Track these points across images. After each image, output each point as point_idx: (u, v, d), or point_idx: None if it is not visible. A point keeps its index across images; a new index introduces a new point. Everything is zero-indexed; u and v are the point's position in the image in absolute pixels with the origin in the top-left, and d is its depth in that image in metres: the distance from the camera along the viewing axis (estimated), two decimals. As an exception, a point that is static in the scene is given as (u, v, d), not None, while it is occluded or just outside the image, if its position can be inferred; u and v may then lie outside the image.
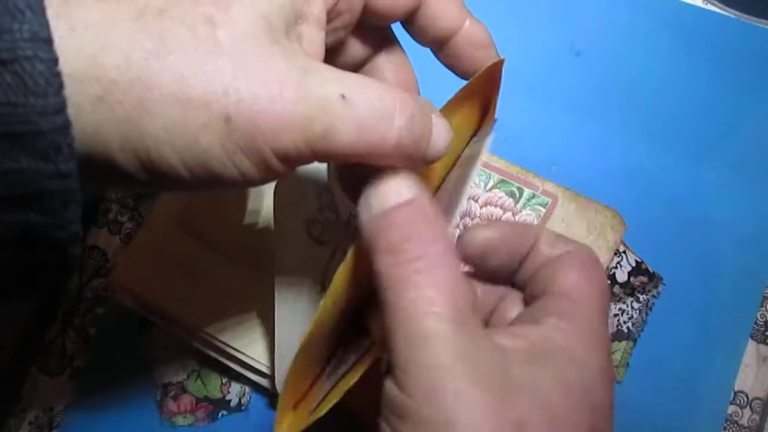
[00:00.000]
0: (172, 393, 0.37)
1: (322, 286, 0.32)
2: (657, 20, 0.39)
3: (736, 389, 0.39)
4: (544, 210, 0.38)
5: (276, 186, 0.28)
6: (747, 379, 0.39)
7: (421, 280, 0.19)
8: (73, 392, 0.37)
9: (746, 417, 0.39)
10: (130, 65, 0.16)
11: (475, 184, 0.37)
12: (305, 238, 0.31)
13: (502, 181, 0.38)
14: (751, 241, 0.39)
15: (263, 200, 0.36)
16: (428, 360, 0.18)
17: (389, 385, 0.19)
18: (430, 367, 0.18)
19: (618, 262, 0.38)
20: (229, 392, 0.37)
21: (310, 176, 0.30)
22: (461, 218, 0.37)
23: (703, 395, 0.38)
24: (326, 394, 0.25)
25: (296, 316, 0.32)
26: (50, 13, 0.16)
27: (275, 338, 0.32)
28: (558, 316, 0.21)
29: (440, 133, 0.21)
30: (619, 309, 0.38)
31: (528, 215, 0.38)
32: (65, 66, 0.16)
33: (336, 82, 0.18)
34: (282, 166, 0.18)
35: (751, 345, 0.39)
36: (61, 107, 0.15)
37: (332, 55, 0.23)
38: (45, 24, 0.15)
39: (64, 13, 0.16)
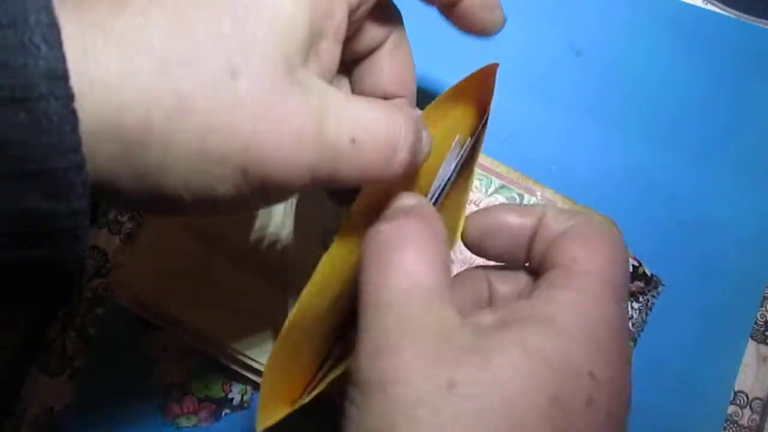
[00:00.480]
0: (175, 395, 0.37)
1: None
2: (657, 20, 0.39)
3: (736, 389, 0.39)
4: None
5: (297, 197, 0.28)
6: (747, 379, 0.39)
7: (395, 255, 0.20)
8: (73, 392, 0.37)
9: (746, 417, 0.39)
10: (151, 126, 0.16)
11: (476, 188, 0.37)
12: (320, 249, 0.31)
13: (503, 186, 0.38)
14: (751, 241, 0.39)
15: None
16: (376, 324, 0.19)
17: (350, 359, 0.19)
18: (376, 329, 0.19)
19: None
20: (231, 391, 0.37)
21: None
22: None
23: (703, 395, 0.38)
24: (314, 386, 0.25)
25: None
26: (70, 65, 0.15)
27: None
28: (551, 288, 0.21)
29: (426, 147, 0.22)
30: None
31: None
32: (83, 124, 0.15)
33: (348, 123, 0.19)
34: (284, 197, 0.20)
35: (751, 345, 0.39)
36: (77, 145, 0.15)
37: (345, 44, 0.23)
38: (61, 58, 0.15)
39: (85, 71, 0.15)
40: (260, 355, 0.35)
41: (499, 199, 0.37)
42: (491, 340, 0.19)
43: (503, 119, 0.38)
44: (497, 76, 0.26)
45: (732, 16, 0.39)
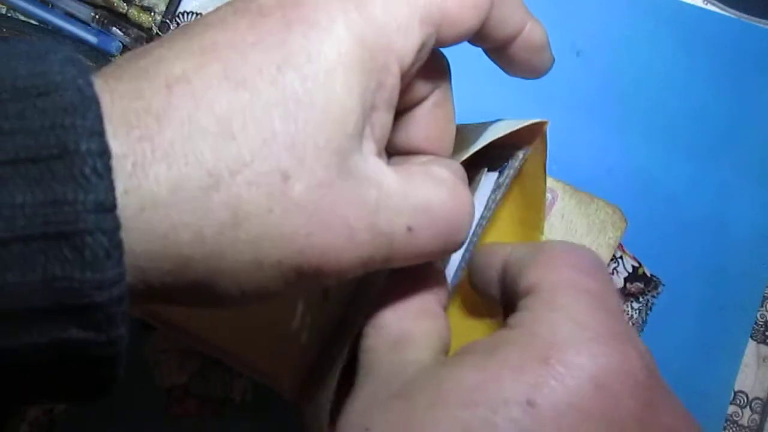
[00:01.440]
0: (176, 396, 0.37)
1: (325, 295, 0.32)
2: (657, 20, 0.39)
3: (736, 389, 0.39)
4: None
5: None
6: (747, 379, 0.39)
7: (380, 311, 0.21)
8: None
9: (746, 417, 0.39)
10: (204, 241, 0.15)
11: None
12: None
13: None
14: (751, 241, 0.39)
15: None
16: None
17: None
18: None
19: (614, 268, 0.38)
20: (232, 390, 0.37)
21: None
22: None
23: (703, 395, 0.38)
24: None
25: (302, 321, 0.32)
26: (119, 188, 0.14)
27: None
28: (510, 319, 0.20)
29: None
30: None
31: None
32: (136, 245, 0.15)
33: (406, 210, 0.18)
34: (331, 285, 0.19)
35: (751, 345, 0.39)
36: (120, 278, 0.14)
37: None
38: (111, 188, 0.14)
39: (135, 188, 0.14)
40: (261, 355, 0.35)
41: None
42: (422, 381, 0.18)
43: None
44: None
45: (732, 16, 0.39)
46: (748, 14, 0.39)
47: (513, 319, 0.19)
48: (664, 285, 0.38)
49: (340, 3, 0.17)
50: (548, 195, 0.37)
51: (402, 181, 0.18)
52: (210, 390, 0.37)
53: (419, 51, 0.18)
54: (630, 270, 0.38)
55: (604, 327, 0.18)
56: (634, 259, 0.38)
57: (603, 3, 0.39)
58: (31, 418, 0.37)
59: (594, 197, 0.37)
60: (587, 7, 0.39)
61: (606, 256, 0.37)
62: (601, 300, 0.18)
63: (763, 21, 0.39)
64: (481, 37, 0.21)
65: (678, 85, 0.39)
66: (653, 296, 0.38)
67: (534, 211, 0.26)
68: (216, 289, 0.17)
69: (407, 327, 0.21)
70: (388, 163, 0.19)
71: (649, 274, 0.38)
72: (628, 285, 0.38)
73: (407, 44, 0.18)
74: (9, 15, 0.38)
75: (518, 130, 0.25)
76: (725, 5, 0.39)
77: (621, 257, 0.38)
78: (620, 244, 0.38)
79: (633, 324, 0.38)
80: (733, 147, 0.39)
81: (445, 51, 0.39)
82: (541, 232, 0.26)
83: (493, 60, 0.24)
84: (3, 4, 0.38)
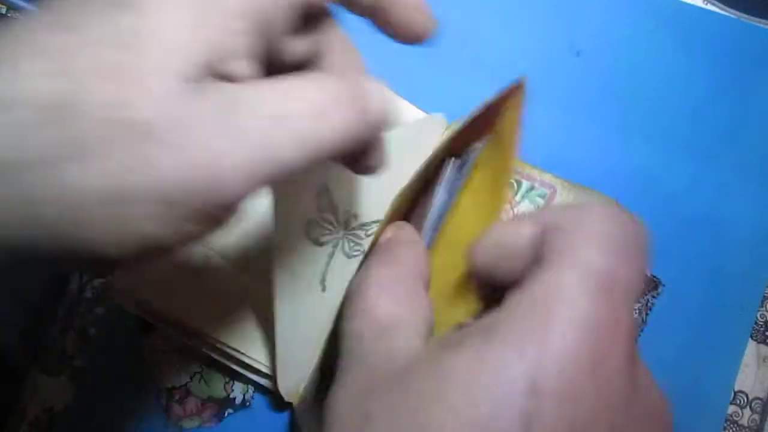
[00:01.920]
0: (177, 397, 0.37)
1: (323, 286, 0.32)
2: (657, 20, 0.39)
3: (736, 389, 0.39)
4: (543, 201, 0.37)
5: (274, 189, 0.28)
6: (747, 379, 0.39)
7: (356, 299, 0.22)
8: (73, 392, 0.37)
9: (746, 417, 0.39)
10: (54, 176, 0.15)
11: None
12: (305, 239, 0.31)
13: None
14: (751, 241, 0.39)
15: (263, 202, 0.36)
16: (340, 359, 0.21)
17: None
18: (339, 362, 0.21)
19: None
20: (232, 390, 0.37)
21: (307, 178, 0.30)
22: None
23: (703, 395, 0.38)
24: None
25: (297, 318, 0.32)
26: None
27: (276, 339, 0.32)
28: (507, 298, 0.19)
29: (377, 104, 0.21)
30: None
31: (527, 207, 0.37)
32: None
33: (267, 106, 0.18)
34: (232, 211, 0.18)
35: (751, 345, 0.39)
36: None
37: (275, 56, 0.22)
38: None
39: None
40: (260, 354, 0.35)
41: None
42: (421, 365, 0.18)
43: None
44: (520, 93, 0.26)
45: (732, 16, 0.39)
46: (748, 14, 0.39)
47: (514, 297, 0.18)
48: (664, 285, 0.38)
49: None
50: (546, 191, 0.37)
51: (257, 84, 0.18)
52: (210, 390, 0.37)
53: None
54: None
55: (601, 312, 0.17)
56: None
57: (603, 3, 0.39)
58: (31, 418, 0.37)
59: (591, 190, 0.37)
60: (587, 7, 0.39)
61: None
62: (610, 281, 0.18)
63: (763, 21, 0.39)
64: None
65: (678, 85, 0.39)
66: (653, 296, 0.38)
67: (497, 197, 0.26)
68: (81, 242, 0.16)
69: (396, 312, 0.21)
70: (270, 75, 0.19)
71: (648, 275, 0.38)
72: None
73: None
74: (9, 15, 0.38)
75: (491, 110, 0.26)
76: (725, 5, 0.39)
77: None
78: None
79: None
80: (733, 147, 0.39)
81: (442, 54, 0.39)
82: (499, 215, 0.26)
83: (377, 27, 0.24)
84: (3, 4, 0.38)
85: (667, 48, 0.39)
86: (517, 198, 0.37)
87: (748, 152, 0.39)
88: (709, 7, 0.39)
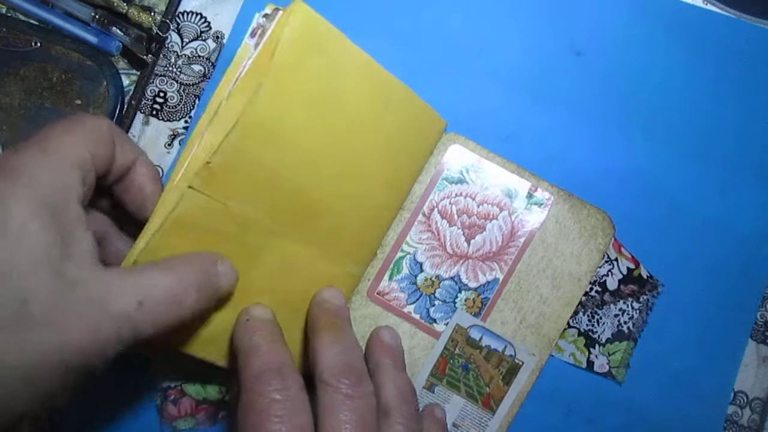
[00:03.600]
0: (172, 397, 0.37)
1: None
2: (657, 20, 0.39)
3: (736, 389, 0.39)
4: (539, 209, 0.38)
5: None
6: (747, 379, 0.39)
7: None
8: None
9: (746, 417, 0.39)
10: None
11: (472, 181, 0.38)
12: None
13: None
14: (751, 242, 0.39)
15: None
16: None
17: None
18: None
19: (609, 270, 0.38)
20: (227, 392, 0.37)
21: None
22: (458, 216, 0.37)
23: (703, 395, 0.38)
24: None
25: None
26: None
27: None
28: None
29: (227, 272, 0.29)
30: (620, 309, 0.38)
31: (523, 214, 0.38)
32: None
33: (129, 293, 0.24)
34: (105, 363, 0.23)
35: (751, 345, 0.39)
36: None
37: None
38: None
39: None
40: None
41: (495, 192, 0.37)
42: None
43: (503, 119, 0.38)
44: None
45: (732, 16, 0.39)
46: (748, 14, 0.39)
47: None
48: (663, 285, 0.38)
49: (9, 183, 0.23)
50: (543, 199, 0.38)
51: (121, 274, 0.24)
52: (206, 392, 0.37)
53: (83, 183, 0.25)
54: (625, 272, 0.38)
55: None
56: (632, 260, 0.38)
57: (603, 3, 0.39)
58: (31, 418, 0.37)
59: (585, 203, 0.38)
60: (587, 7, 0.39)
61: (596, 260, 0.37)
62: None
63: (763, 21, 0.39)
64: (110, 171, 0.28)
65: (678, 85, 0.39)
66: (653, 296, 0.38)
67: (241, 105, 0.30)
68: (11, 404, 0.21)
69: None
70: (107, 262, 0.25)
71: (645, 276, 0.38)
72: (621, 287, 0.38)
73: (73, 182, 0.24)
74: (9, 15, 0.38)
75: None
76: (725, 5, 0.39)
77: (616, 259, 0.38)
78: (619, 243, 0.38)
79: (633, 324, 0.38)
80: (733, 147, 0.39)
81: (442, 54, 0.39)
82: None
83: (118, 197, 0.30)
84: (3, 4, 0.38)
85: (667, 48, 0.39)
86: (515, 205, 0.38)
87: (748, 152, 0.39)
88: (709, 7, 0.39)
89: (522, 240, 0.38)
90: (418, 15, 0.38)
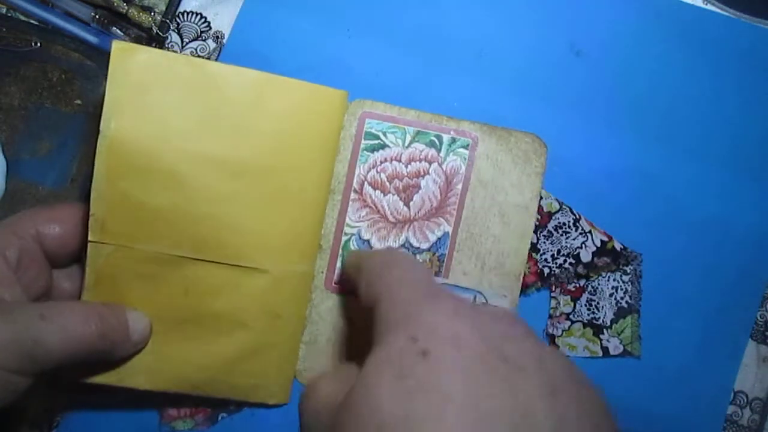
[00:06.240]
0: (171, 398, 0.37)
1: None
2: (657, 20, 0.39)
3: (736, 389, 0.39)
4: (467, 152, 0.37)
5: None
6: (747, 379, 0.39)
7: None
8: (72, 393, 0.37)
9: (746, 417, 0.39)
10: None
11: (392, 142, 0.37)
12: None
13: (419, 132, 0.37)
14: (751, 241, 0.39)
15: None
16: None
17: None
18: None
19: (583, 242, 0.38)
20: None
21: None
22: (390, 182, 0.37)
23: (703, 395, 0.38)
24: None
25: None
26: None
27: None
28: None
29: (137, 320, 0.31)
30: (612, 287, 0.38)
31: (453, 161, 0.37)
32: None
33: (34, 307, 0.28)
34: (27, 380, 0.27)
35: (751, 345, 0.39)
36: None
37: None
38: None
39: None
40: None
41: (419, 147, 0.37)
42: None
43: (503, 119, 0.38)
44: None
45: (732, 16, 0.39)
46: (748, 14, 0.39)
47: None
48: (641, 254, 0.38)
49: None
50: (468, 140, 0.37)
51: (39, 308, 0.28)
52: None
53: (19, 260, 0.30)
54: (598, 244, 0.38)
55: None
56: (605, 234, 0.38)
57: (603, 3, 0.39)
58: (31, 418, 0.37)
59: (511, 130, 0.37)
60: (587, 7, 0.39)
61: (537, 183, 0.37)
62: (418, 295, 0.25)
63: (763, 21, 0.39)
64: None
65: (678, 85, 0.39)
66: (638, 265, 0.38)
67: None
68: None
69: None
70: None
71: (618, 248, 0.38)
72: (595, 259, 0.38)
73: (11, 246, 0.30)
74: (9, 15, 0.38)
75: None
76: (725, 5, 0.39)
77: (590, 232, 0.38)
78: (589, 221, 0.38)
79: (630, 295, 0.38)
80: (733, 147, 0.39)
81: (442, 54, 0.39)
82: None
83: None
84: (3, 4, 0.38)
85: (667, 48, 0.39)
86: (442, 154, 0.37)
87: (748, 152, 0.39)
88: (709, 7, 0.39)
89: (459, 186, 0.37)
90: (419, 15, 0.38)
